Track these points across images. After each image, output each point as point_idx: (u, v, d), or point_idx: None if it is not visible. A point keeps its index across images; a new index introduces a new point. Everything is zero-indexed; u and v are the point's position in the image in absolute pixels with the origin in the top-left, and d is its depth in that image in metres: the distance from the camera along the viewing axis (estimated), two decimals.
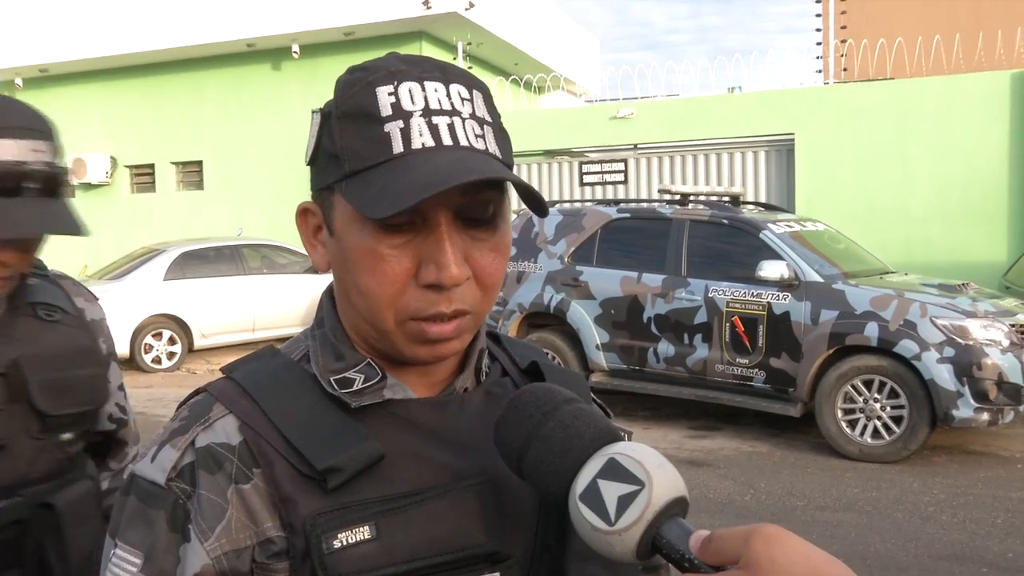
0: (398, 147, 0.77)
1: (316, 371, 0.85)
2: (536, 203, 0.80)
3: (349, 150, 0.78)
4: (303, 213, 0.86)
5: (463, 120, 0.79)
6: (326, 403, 0.83)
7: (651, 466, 0.70)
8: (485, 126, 0.81)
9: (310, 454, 0.78)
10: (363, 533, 0.76)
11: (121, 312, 10.67)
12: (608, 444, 0.73)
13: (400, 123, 0.77)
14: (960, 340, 6.26)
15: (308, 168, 0.85)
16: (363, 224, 0.78)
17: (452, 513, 0.79)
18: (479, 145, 0.79)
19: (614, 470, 0.70)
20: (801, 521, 5.27)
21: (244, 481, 0.79)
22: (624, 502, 0.69)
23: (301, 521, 0.77)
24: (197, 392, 0.87)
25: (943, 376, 6.23)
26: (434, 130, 0.77)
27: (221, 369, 0.88)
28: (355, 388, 0.83)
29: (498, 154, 0.81)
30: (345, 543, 0.76)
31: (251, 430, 0.81)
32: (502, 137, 0.83)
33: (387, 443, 0.80)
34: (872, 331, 6.48)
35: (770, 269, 6.88)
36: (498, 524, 0.81)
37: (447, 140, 0.77)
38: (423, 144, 0.77)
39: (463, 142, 0.78)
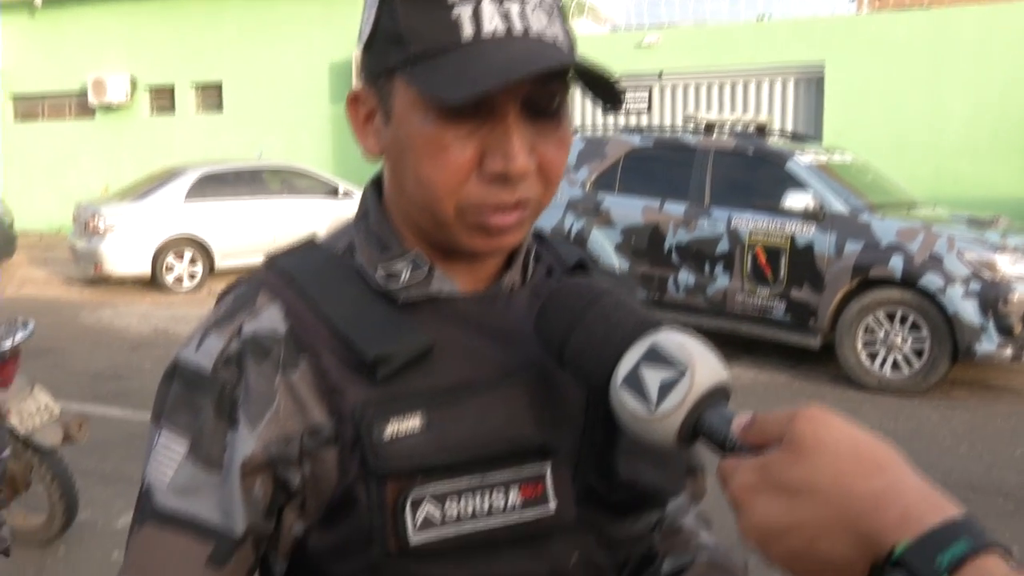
0: (468, 32, 0.74)
1: (361, 263, 0.83)
2: (611, 94, 0.77)
3: (415, 32, 0.75)
4: (353, 100, 0.83)
5: (532, 8, 0.76)
6: (372, 296, 0.81)
7: (694, 352, 0.69)
8: (553, 13, 0.78)
9: (359, 343, 0.77)
10: (413, 423, 0.75)
11: (143, 232, 10.73)
12: (650, 332, 0.72)
13: (469, 7, 0.74)
14: (987, 274, 6.20)
15: (361, 53, 0.82)
16: (426, 111, 0.75)
17: (502, 406, 0.78)
18: (549, 33, 0.77)
19: (656, 356, 0.70)
20: None
21: (291, 370, 0.78)
22: (666, 388, 0.68)
23: (350, 410, 0.76)
24: (239, 282, 0.85)
25: (967, 310, 6.18)
26: (505, 16, 0.75)
27: (264, 259, 0.86)
28: (402, 281, 0.81)
29: (567, 43, 0.78)
30: (396, 432, 0.75)
31: (297, 319, 0.79)
32: (567, 25, 0.80)
33: (435, 337, 0.79)
34: (897, 264, 6.42)
35: (795, 200, 6.80)
36: (547, 418, 0.80)
37: (518, 28, 0.75)
38: (495, 31, 0.74)
39: (534, 30, 0.76)
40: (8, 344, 3.71)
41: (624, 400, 0.70)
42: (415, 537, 0.74)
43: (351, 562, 0.77)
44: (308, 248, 0.87)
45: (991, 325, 6.16)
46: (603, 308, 0.75)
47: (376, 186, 0.88)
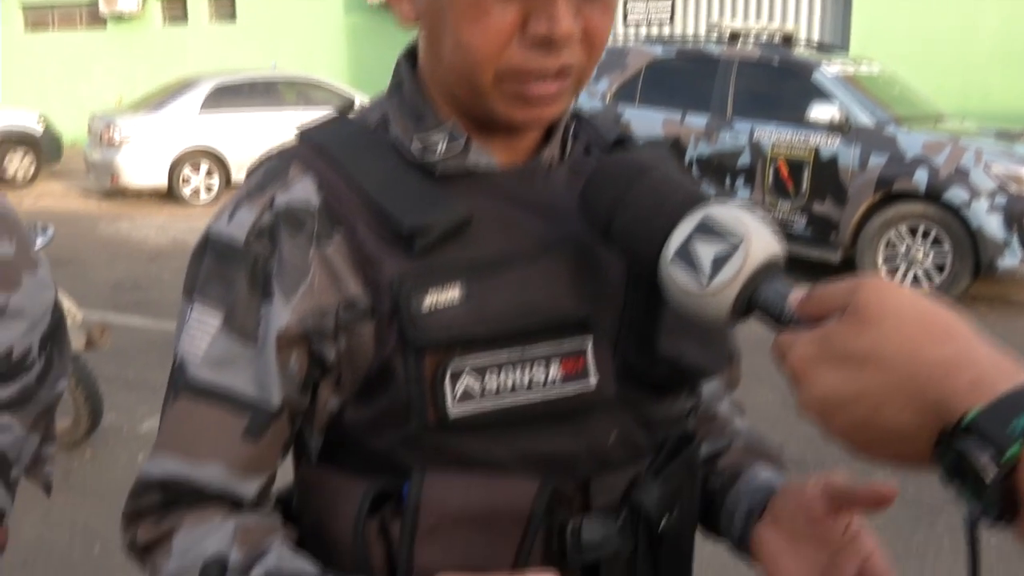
0: None
1: (396, 135, 0.80)
2: None
3: None
4: None
5: None
6: (407, 168, 0.79)
7: (748, 224, 0.67)
8: None
9: (396, 214, 0.75)
10: (452, 294, 0.73)
11: (158, 144, 10.67)
12: (701, 204, 0.70)
13: None
14: (1014, 188, 6.10)
15: None
16: None
17: (542, 279, 0.76)
18: None
19: (709, 229, 0.67)
20: None
21: (326, 242, 0.76)
22: (719, 261, 0.66)
23: (387, 282, 0.74)
24: (269, 156, 0.83)
25: (991, 225, 6.11)
26: None
27: (296, 132, 0.84)
28: (438, 153, 0.78)
29: None
30: (434, 304, 0.73)
31: (331, 191, 0.77)
32: None
33: (473, 209, 0.77)
34: (921, 178, 6.33)
35: (820, 112, 6.67)
36: (587, 293, 0.77)
37: None
38: None
39: None
40: None
41: (675, 275, 0.68)
42: (454, 410, 0.72)
43: (388, 436, 0.76)
44: (340, 122, 0.84)
45: (1015, 239, 6.09)
46: (651, 181, 0.72)
47: (410, 57, 0.84)
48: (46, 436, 1.26)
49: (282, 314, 0.75)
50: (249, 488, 0.78)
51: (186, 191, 10.90)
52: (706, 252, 0.67)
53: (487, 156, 0.80)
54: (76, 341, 3.85)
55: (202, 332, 0.77)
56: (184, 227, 9.43)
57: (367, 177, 0.77)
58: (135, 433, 4.28)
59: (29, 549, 3.29)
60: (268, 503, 0.82)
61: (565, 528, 0.77)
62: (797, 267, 7.55)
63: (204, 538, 0.75)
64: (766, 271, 0.66)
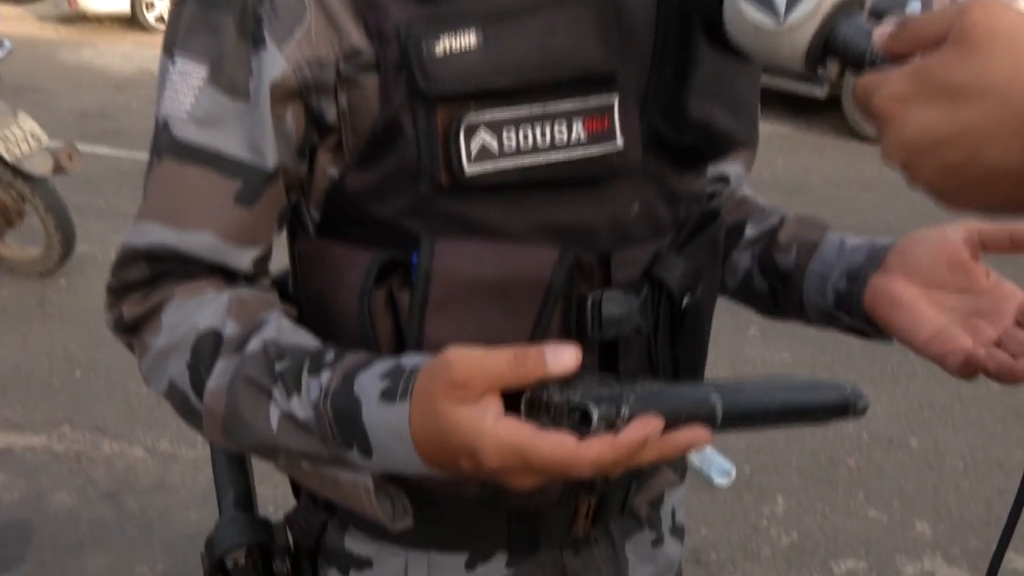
0: None
1: None
2: None
3: None
4: None
5: None
6: None
7: None
8: None
9: None
10: (468, 40, 0.65)
11: None
12: None
13: None
14: None
15: None
16: None
17: (567, 28, 0.67)
18: None
19: None
20: (816, 197, 5.29)
21: None
22: None
23: (394, 27, 0.65)
24: None
25: None
26: None
27: None
28: None
29: None
30: (448, 49, 0.64)
31: None
32: None
33: None
34: (915, 8, 6.14)
35: None
36: (615, 46, 0.69)
37: None
38: None
39: None
40: None
41: (745, 10, 0.61)
42: (470, 168, 0.66)
43: (395, 202, 0.70)
44: None
45: None
46: None
47: None
48: None
49: (276, 63, 0.67)
50: (243, 259, 0.72)
51: (150, 17, 10.38)
52: None
53: None
54: (43, 166, 3.72)
55: (186, 87, 0.68)
56: (150, 55, 9.03)
57: None
58: (109, 261, 4.15)
59: (8, 375, 3.28)
60: (264, 278, 0.76)
61: (585, 302, 0.72)
62: (780, 102, 7.43)
63: (196, 312, 0.70)
64: (847, 5, 0.59)
